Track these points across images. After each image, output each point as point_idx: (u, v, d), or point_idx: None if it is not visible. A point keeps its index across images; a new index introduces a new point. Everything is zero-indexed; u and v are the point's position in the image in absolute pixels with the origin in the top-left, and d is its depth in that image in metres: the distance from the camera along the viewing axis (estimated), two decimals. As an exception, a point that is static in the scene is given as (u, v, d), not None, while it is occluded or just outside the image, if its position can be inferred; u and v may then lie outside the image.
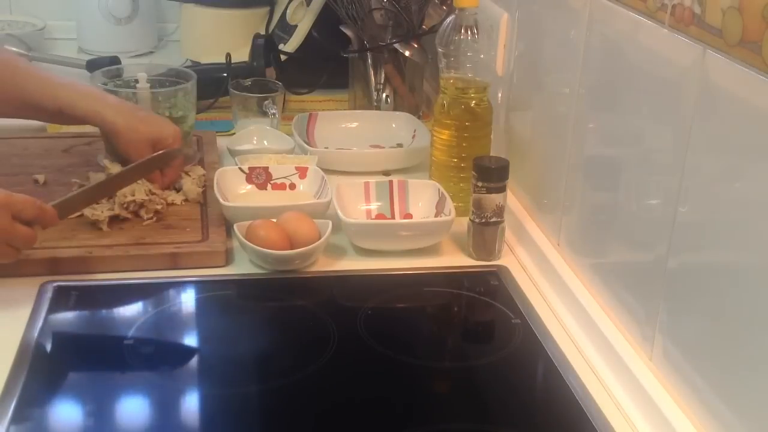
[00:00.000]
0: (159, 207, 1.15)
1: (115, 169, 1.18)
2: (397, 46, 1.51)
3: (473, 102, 1.20)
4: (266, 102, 1.42)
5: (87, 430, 0.82)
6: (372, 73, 1.55)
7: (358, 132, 1.47)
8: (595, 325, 0.93)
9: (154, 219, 1.14)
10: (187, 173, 1.23)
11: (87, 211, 1.11)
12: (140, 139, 1.17)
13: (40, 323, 0.94)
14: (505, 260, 1.12)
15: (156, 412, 0.85)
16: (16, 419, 0.80)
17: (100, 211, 1.11)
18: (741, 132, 0.70)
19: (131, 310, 1.02)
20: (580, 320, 0.97)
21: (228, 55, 1.58)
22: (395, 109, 1.55)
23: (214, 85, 1.53)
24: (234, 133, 1.41)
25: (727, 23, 0.70)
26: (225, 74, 1.55)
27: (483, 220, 1.10)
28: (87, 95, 1.19)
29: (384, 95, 1.55)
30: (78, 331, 0.98)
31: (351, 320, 0.98)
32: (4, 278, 1.02)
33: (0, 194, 0.94)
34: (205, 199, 1.20)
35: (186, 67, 1.52)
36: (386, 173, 1.34)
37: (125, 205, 1.13)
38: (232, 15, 1.79)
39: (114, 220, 1.12)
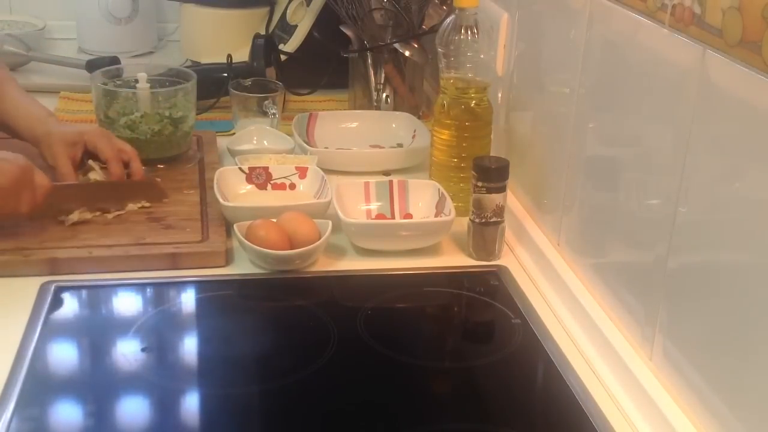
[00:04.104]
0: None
1: (98, 169, 1.20)
2: (397, 46, 1.51)
3: (473, 102, 1.20)
4: (266, 102, 1.42)
5: (87, 430, 0.82)
6: (372, 73, 1.55)
7: (358, 132, 1.47)
8: (595, 325, 0.93)
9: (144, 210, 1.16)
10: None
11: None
12: (55, 140, 1.19)
13: (40, 323, 0.94)
14: (505, 260, 1.12)
15: (156, 412, 0.85)
16: (16, 419, 0.80)
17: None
18: (741, 132, 0.70)
19: (131, 310, 1.02)
20: (580, 320, 0.97)
21: (229, 56, 1.58)
22: (395, 109, 1.55)
23: (214, 85, 1.53)
24: (234, 133, 1.41)
25: (727, 23, 0.70)
26: (225, 74, 1.55)
27: (483, 220, 1.10)
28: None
29: (384, 95, 1.55)
30: (78, 331, 0.98)
31: (351, 320, 0.98)
32: (4, 278, 1.02)
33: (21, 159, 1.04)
34: (205, 199, 1.20)
35: (186, 67, 1.52)
36: (386, 173, 1.34)
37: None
38: (232, 15, 1.79)
39: (115, 218, 1.13)
